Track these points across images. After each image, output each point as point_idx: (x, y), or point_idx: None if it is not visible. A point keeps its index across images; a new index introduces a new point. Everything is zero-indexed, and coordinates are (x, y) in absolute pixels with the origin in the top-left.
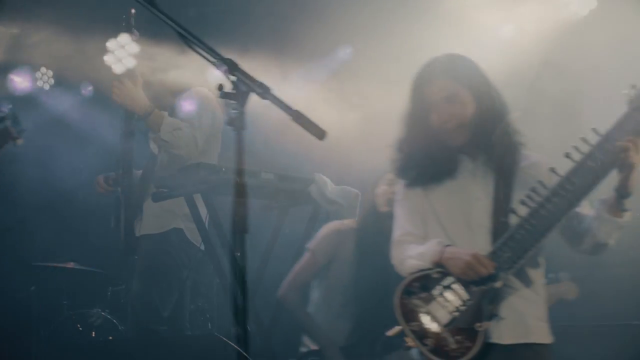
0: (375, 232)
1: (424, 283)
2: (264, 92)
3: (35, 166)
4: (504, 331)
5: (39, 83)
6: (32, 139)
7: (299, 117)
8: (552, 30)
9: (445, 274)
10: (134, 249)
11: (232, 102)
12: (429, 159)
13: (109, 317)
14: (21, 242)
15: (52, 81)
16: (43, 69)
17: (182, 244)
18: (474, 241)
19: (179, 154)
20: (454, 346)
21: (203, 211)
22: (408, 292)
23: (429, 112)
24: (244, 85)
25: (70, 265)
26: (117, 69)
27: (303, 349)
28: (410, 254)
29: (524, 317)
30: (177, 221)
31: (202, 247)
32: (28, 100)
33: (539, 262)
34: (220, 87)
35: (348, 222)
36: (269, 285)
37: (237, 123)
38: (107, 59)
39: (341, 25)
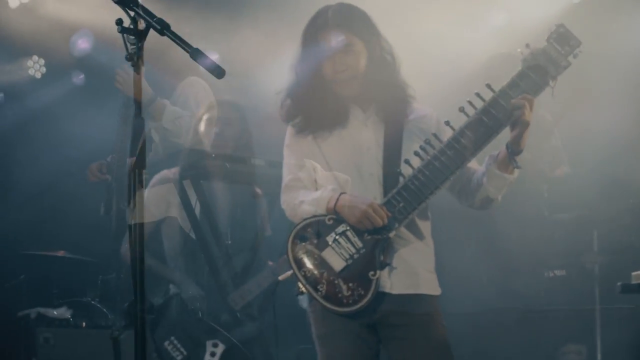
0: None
1: (318, 229)
2: (163, 28)
3: (26, 154)
4: (396, 281)
5: (31, 72)
6: (23, 127)
7: (197, 55)
8: (544, 17)
9: (339, 221)
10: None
11: (131, 37)
12: (319, 107)
13: (98, 305)
14: (11, 231)
15: (43, 69)
16: (35, 57)
17: (175, 233)
18: (364, 189)
19: (180, 142)
20: (347, 293)
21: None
22: (301, 237)
23: (322, 61)
24: (142, 21)
25: (61, 253)
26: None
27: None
28: (304, 199)
29: (414, 269)
30: (171, 210)
31: (193, 235)
32: (19, 89)
33: (428, 215)
34: (120, 22)
35: (175, 170)
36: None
37: (136, 59)
38: None
39: None
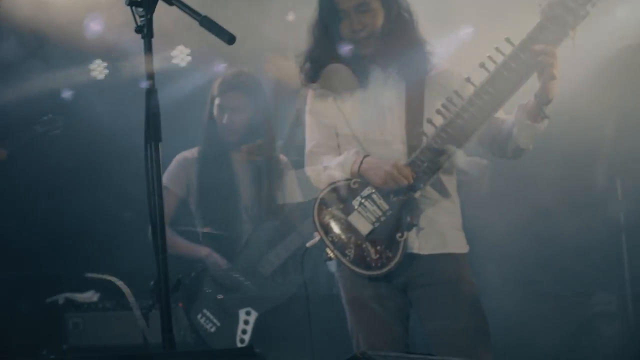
0: (213, 161)
1: (343, 194)
2: None
3: (171, 142)
4: (423, 242)
5: (176, 61)
6: (169, 115)
7: (206, 22)
8: None
9: (364, 184)
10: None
11: (139, 9)
12: (339, 69)
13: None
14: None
15: (189, 59)
16: (181, 47)
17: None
18: (388, 150)
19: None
20: (375, 256)
21: None
22: (327, 202)
23: (339, 22)
24: None
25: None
26: None
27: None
28: (327, 165)
29: (442, 228)
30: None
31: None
32: (165, 77)
33: (453, 171)
34: None
35: (194, 151)
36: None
37: (146, 30)
38: None
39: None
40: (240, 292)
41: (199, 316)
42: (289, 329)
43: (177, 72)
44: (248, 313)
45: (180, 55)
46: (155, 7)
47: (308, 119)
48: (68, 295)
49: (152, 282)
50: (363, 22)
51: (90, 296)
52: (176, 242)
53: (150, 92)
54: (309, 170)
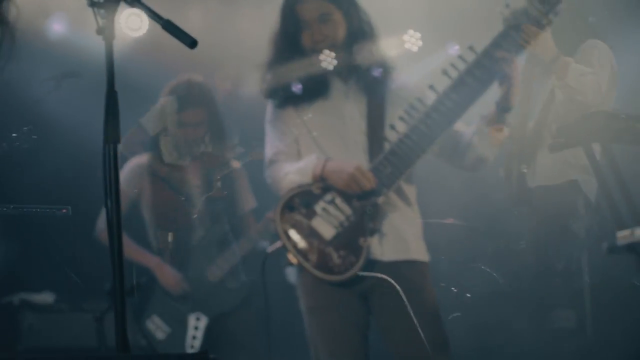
0: (161, 165)
1: (305, 199)
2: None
3: None
4: (386, 248)
5: (407, 45)
6: None
7: (168, 26)
8: None
9: (326, 189)
10: (527, 201)
11: (101, 10)
12: (300, 79)
13: (488, 270)
14: None
15: (420, 43)
16: (410, 31)
17: (576, 197)
18: (350, 158)
19: (584, 100)
20: (337, 261)
21: None
22: (289, 207)
23: (300, 32)
24: None
25: (450, 221)
26: None
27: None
28: (289, 170)
29: (404, 234)
30: (572, 172)
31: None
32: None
33: (414, 181)
34: None
35: (144, 157)
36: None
37: (107, 32)
38: None
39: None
40: (188, 301)
41: (147, 322)
42: (241, 333)
43: (409, 57)
44: (198, 318)
45: (412, 40)
46: (117, 9)
47: (268, 128)
48: (24, 295)
49: (108, 286)
50: (324, 32)
51: (46, 297)
52: (127, 246)
53: (111, 93)
54: (269, 177)
